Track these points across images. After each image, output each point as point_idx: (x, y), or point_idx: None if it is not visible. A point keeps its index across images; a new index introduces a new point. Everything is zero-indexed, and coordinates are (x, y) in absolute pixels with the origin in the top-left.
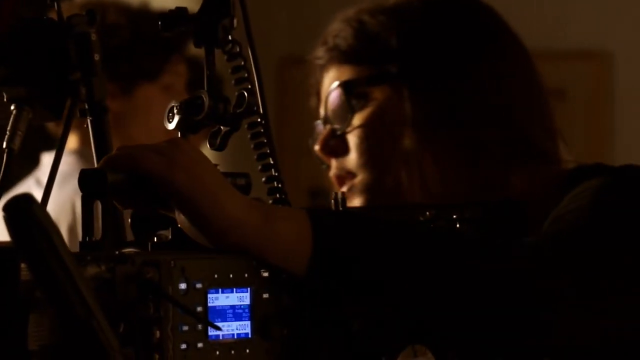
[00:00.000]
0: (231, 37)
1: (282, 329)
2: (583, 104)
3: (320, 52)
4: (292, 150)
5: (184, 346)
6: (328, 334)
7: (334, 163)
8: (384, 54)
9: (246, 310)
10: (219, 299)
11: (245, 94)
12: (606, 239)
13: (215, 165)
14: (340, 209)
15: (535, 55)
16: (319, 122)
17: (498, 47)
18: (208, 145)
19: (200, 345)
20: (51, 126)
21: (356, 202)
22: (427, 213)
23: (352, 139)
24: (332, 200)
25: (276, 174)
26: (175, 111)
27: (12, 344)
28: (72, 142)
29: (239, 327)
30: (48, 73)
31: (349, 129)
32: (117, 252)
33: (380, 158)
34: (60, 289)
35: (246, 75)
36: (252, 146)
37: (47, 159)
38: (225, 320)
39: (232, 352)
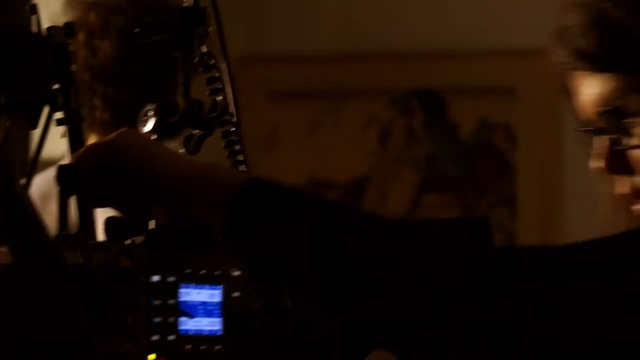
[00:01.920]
0: (207, 48)
1: (252, 329)
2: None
3: (564, 54)
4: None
5: (155, 337)
6: (297, 335)
7: (621, 179)
8: None
9: (217, 308)
10: (191, 294)
11: (220, 98)
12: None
13: None
14: None
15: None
16: (585, 130)
17: None
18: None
19: (171, 337)
20: None
21: None
22: None
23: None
24: None
25: None
26: (150, 114)
27: None
28: None
29: (209, 324)
30: (26, 82)
31: (631, 145)
32: (92, 242)
33: None
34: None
35: (221, 86)
36: (226, 154)
37: None
38: (197, 316)
39: (202, 347)
